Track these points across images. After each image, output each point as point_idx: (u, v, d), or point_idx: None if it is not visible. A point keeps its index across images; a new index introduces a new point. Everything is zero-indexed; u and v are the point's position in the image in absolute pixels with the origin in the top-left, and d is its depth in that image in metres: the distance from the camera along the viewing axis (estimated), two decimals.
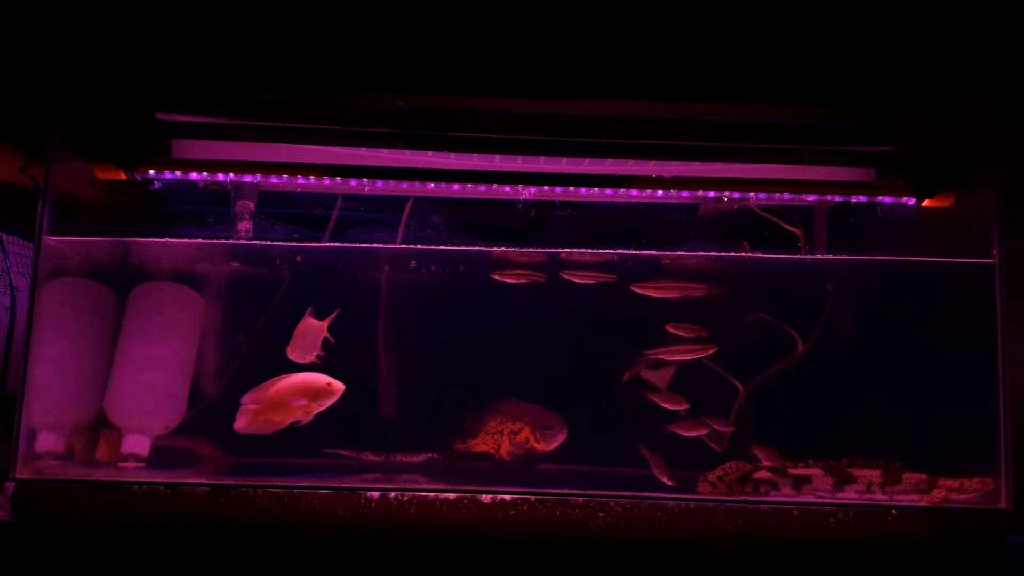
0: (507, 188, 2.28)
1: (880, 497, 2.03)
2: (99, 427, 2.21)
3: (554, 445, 2.19)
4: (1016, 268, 2.09)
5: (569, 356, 2.33)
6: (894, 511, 1.95)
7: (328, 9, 2.25)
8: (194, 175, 2.25)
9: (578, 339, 2.34)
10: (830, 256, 2.38)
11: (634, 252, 2.28)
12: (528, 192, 2.29)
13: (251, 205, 2.33)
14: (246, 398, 2.12)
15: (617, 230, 2.31)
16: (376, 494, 1.95)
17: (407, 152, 2.24)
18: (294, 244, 2.32)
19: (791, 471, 2.06)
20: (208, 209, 2.29)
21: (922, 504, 2.00)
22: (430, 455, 2.28)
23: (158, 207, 2.27)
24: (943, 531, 1.94)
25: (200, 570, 1.94)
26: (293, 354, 2.24)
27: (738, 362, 2.32)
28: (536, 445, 2.19)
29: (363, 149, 2.26)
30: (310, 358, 2.23)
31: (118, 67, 2.21)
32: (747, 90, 2.24)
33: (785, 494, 2.03)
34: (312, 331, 2.24)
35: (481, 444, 2.21)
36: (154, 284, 2.33)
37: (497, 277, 2.31)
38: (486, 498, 1.94)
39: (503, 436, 2.20)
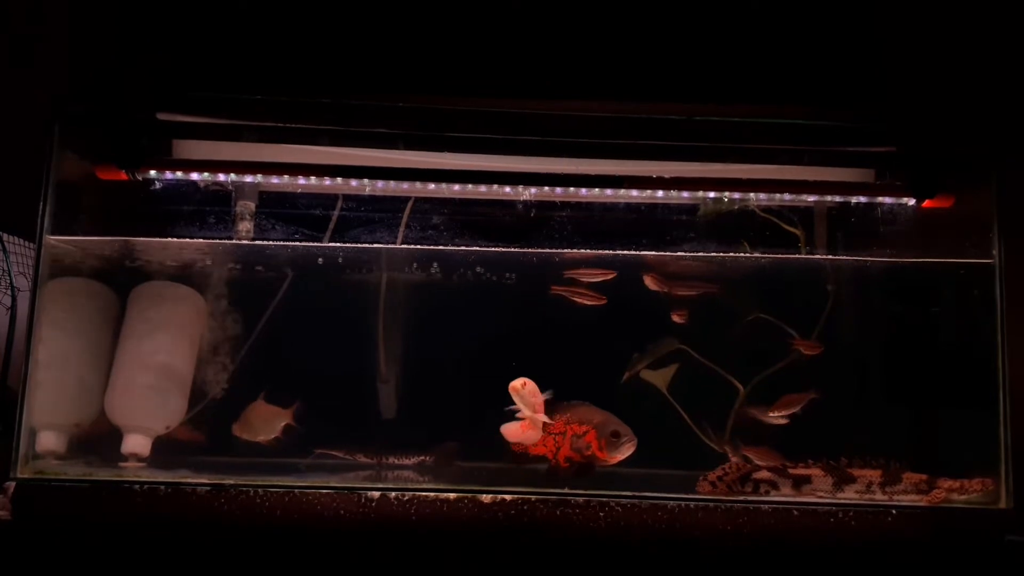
0: (507, 188, 2.29)
1: (880, 497, 2.03)
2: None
3: (618, 458, 2.07)
4: (1016, 268, 2.09)
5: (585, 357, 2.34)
6: (894, 511, 1.95)
7: (328, 10, 2.25)
8: (195, 175, 2.25)
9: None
10: (830, 256, 2.39)
11: (634, 252, 2.28)
12: (528, 192, 2.30)
13: (252, 205, 2.34)
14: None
15: (616, 230, 2.31)
16: (376, 494, 1.95)
17: (407, 152, 2.24)
18: (294, 244, 2.32)
19: (791, 471, 2.06)
20: (209, 209, 2.29)
21: (922, 504, 2.00)
22: (422, 457, 2.28)
23: (159, 207, 2.27)
24: (943, 531, 1.94)
25: (201, 570, 1.94)
26: (243, 432, 2.27)
27: (738, 362, 2.33)
28: (599, 453, 2.07)
29: (364, 149, 2.27)
30: (262, 437, 2.27)
31: (119, 67, 2.21)
32: (747, 90, 2.24)
33: (785, 494, 2.03)
34: (268, 416, 2.28)
35: (539, 445, 2.11)
36: (154, 284, 2.33)
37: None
38: (486, 498, 1.94)
39: (565, 438, 2.10)
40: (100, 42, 2.24)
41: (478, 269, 2.36)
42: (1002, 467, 2.04)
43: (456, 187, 2.29)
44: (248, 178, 2.27)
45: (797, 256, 2.33)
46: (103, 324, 2.28)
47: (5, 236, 2.34)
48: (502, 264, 2.34)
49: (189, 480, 1.98)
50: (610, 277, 2.29)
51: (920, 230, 2.31)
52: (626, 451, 2.07)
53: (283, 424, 2.29)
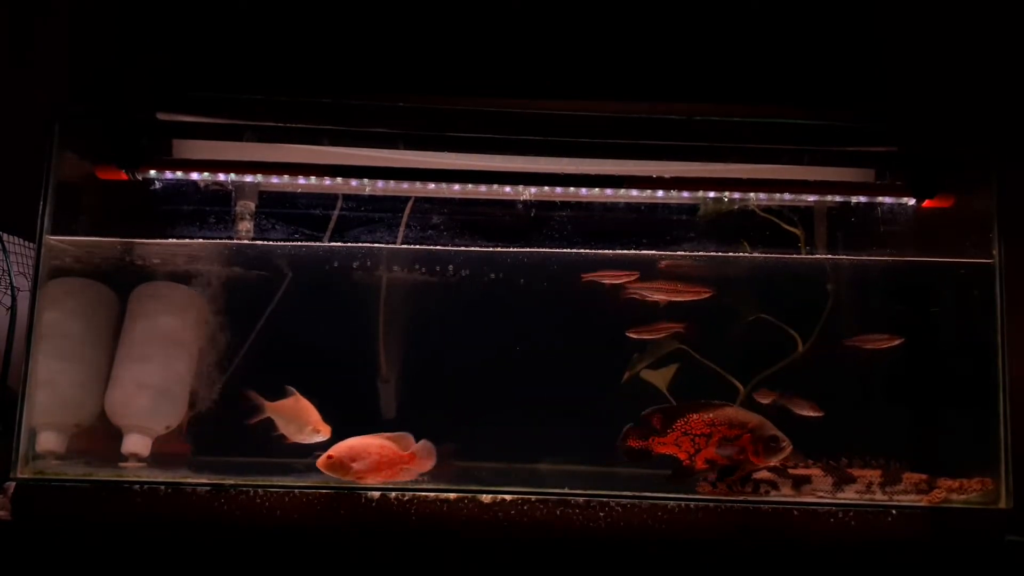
0: (507, 188, 2.29)
1: (880, 497, 2.03)
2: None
3: (772, 463, 2.00)
4: (1016, 268, 2.10)
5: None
6: (894, 511, 1.95)
7: (328, 10, 2.25)
8: (195, 175, 2.25)
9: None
10: (830, 256, 2.39)
11: (633, 252, 2.28)
12: (529, 192, 2.30)
13: (252, 205, 2.34)
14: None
15: (615, 229, 2.31)
16: (376, 494, 1.95)
17: (407, 152, 2.25)
18: (294, 244, 2.32)
19: (791, 471, 2.06)
20: (209, 209, 2.29)
21: (922, 504, 2.00)
22: None
23: (159, 207, 2.27)
24: (943, 531, 1.94)
25: (201, 570, 1.94)
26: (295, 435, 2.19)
27: (738, 362, 2.33)
28: (753, 458, 1.98)
29: (364, 149, 2.27)
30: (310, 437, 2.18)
31: (119, 67, 2.21)
32: (747, 90, 2.24)
33: (785, 494, 2.03)
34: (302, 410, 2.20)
35: (670, 445, 2.02)
36: (154, 284, 2.33)
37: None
38: (486, 498, 1.94)
39: (710, 440, 2.00)
40: (100, 42, 2.24)
41: (479, 269, 2.36)
42: (1002, 467, 2.04)
43: (456, 187, 2.29)
44: (248, 178, 2.28)
45: (797, 256, 2.33)
46: (103, 324, 2.28)
47: (5, 236, 2.34)
48: (502, 264, 2.34)
49: (189, 480, 1.98)
50: (633, 278, 2.28)
51: (920, 230, 2.31)
52: (782, 456, 2.01)
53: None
